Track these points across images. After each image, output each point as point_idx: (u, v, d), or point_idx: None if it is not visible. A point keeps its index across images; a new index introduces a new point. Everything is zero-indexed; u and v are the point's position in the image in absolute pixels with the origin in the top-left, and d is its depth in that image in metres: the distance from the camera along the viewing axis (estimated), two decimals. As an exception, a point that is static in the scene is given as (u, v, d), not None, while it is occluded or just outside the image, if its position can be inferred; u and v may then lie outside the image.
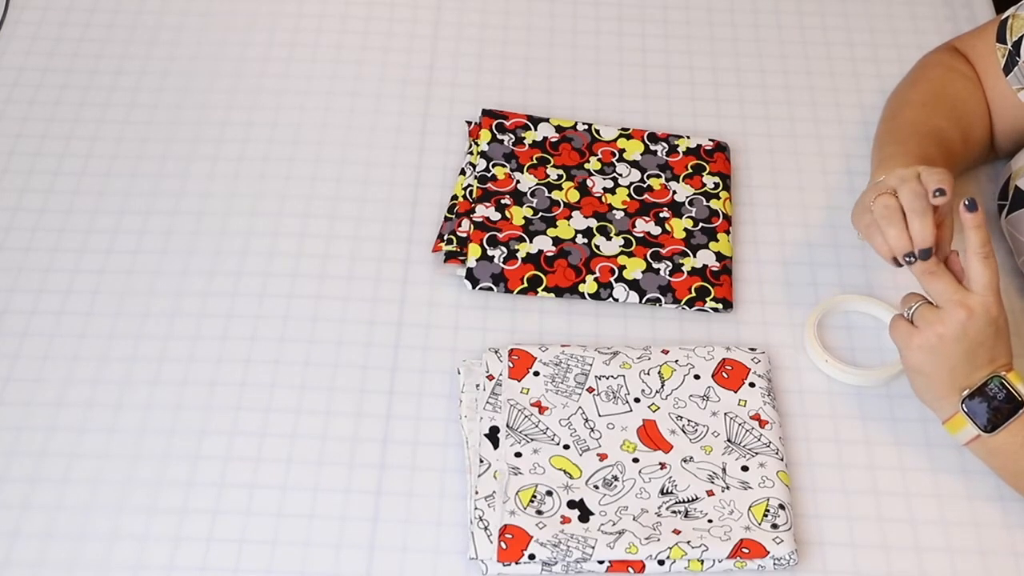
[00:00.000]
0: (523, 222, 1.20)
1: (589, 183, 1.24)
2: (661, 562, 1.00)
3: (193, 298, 1.16)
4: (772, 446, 1.06)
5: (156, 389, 1.10)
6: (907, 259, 1.02)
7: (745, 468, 1.05)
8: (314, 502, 1.04)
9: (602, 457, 1.05)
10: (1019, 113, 1.19)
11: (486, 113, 1.29)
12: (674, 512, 1.02)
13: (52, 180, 1.24)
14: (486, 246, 1.18)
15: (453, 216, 1.21)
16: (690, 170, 1.25)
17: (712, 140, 1.28)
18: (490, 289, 1.16)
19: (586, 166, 1.25)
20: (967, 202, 1.00)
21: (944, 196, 1.01)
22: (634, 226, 1.20)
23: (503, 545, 0.99)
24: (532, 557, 0.99)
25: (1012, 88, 1.18)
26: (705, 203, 1.23)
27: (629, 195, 1.23)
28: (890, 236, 1.03)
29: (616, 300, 1.16)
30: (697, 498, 1.03)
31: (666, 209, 1.22)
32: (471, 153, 1.26)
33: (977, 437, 1.02)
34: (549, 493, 1.03)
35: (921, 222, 1.01)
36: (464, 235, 1.19)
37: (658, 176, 1.25)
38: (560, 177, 1.24)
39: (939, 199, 1.01)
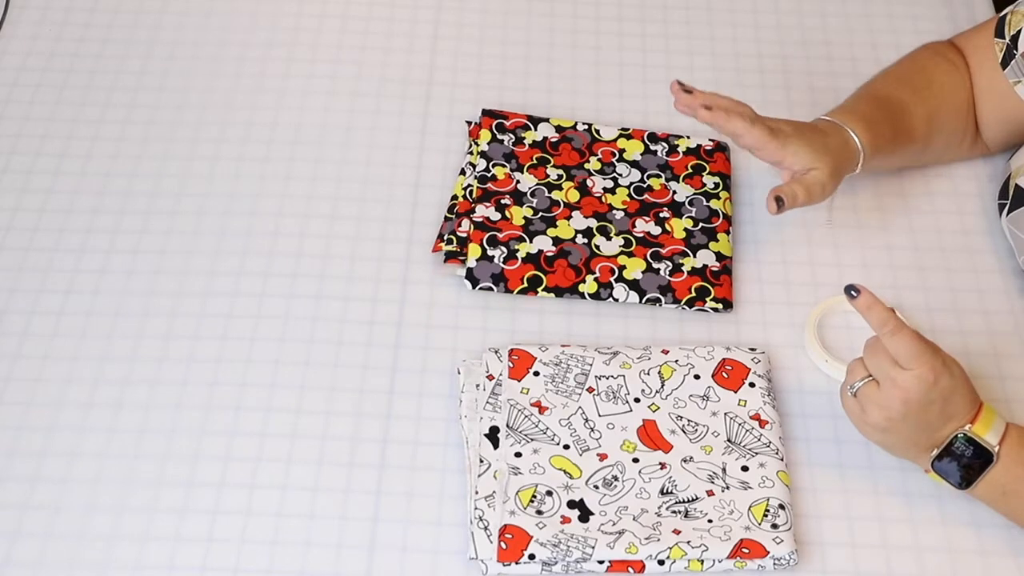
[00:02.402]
0: (523, 222, 1.20)
1: (589, 183, 1.24)
2: (661, 562, 1.00)
3: (193, 298, 1.16)
4: (772, 446, 1.06)
5: (156, 389, 1.10)
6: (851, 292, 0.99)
7: (745, 468, 1.05)
8: (314, 502, 1.04)
9: (602, 457, 1.05)
10: (1013, 106, 1.19)
11: (486, 113, 1.29)
12: (674, 512, 1.02)
13: (52, 180, 1.24)
14: (486, 246, 1.18)
15: (453, 216, 1.21)
16: (690, 170, 1.25)
17: (712, 140, 1.28)
18: (490, 289, 1.16)
19: (586, 166, 1.25)
20: (850, 291, 0.98)
21: (859, 294, 0.98)
22: (634, 226, 1.20)
23: (503, 545, 0.99)
24: (532, 557, 0.99)
25: (1009, 81, 1.18)
26: (705, 203, 1.23)
27: (629, 195, 1.23)
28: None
29: (616, 300, 1.16)
30: (697, 498, 1.03)
31: (666, 209, 1.22)
32: (471, 153, 1.26)
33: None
34: (549, 493, 1.03)
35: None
36: (464, 235, 1.19)
37: (658, 176, 1.25)
38: (560, 177, 1.24)
39: (855, 299, 0.99)
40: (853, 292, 0.98)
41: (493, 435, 1.06)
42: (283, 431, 1.08)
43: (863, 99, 1.19)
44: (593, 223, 1.20)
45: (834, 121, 1.14)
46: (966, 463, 0.99)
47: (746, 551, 1.00)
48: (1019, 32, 1.17)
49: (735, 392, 1.09)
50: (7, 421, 1.08)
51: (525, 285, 1.16)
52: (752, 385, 1.10)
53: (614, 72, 1.37)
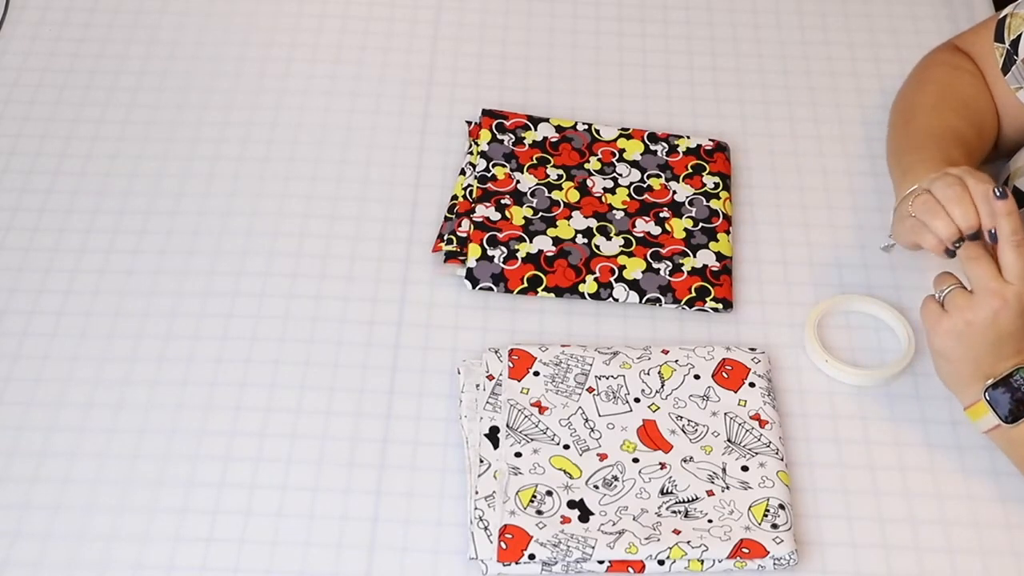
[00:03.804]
0: (523, 222, 1.20)
1: (589, 183, 1.24)
2: (661, 562, 1.00)
3: (193, 298, 1.16)
4: (772, 446, 1.06)
5: (156, 389, 1.10)
6: (956, 245, 1.01)
7: (745, 468, 1.05)
8: (314, 502, 1.04)
9: (602, 457, 1.05)
10: (1018, 112, 1.19)
11: (486, 113, 1.29)
12: (674, 512, 1.02)
13: (52, 180, 1.24)
14: (486, 246, 1.18)
15: (453, 216, 1.21)
16: (690, 170, 1.25)
17: (712, 140, 1.28)
18: (490, 289, 1.16)
19: (586, 166, 1.25)
20: (997, 191, 1.00)
21: (1005, 197, 1.00)
22: (634, 226, 1.20)
23: (503, 545, 0.99)
24: (532, 557, 0.99)
25: (1010, 87, 1.18)
26: (705, 203, 1.23)
27: (629, 195, 1.23)
28: (938, 228, 1.02)
29: (616, 300, 1.16)
30: (697, 498, 1.03)
31: (666, 209, 1.22)
32: (471, 153, 1.26)
33: (997, 426, 1.02)
34: (549, 493, 1.03)
35: (961, 208, 1.01)
36: (464, 235, 1.19)
37: (658, 176, 1.25)
38: (560, 177, 1.24)
39: (1000, 200, 1.00)
40: (999, 192, 0.99)
41: (493, 435, 1.06)
42: (283, 431, 1.08)
43: (931, 141, 1.16)
44: (593, 223, 1.20)
45: None
46: (1019, 397, 1.00)
47: (746, 551, 1.00)
48: (1019, 37, 1.17)
49: (735, 392, 1.09)
50: (7, 421, 1.08)
51: (525, 285, 1.16)
52: (752, 385, 1.10)
53: (614, 72, 1.37)
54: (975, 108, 1.19)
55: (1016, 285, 0.99)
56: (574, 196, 1.23)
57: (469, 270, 1.17)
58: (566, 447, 1.05)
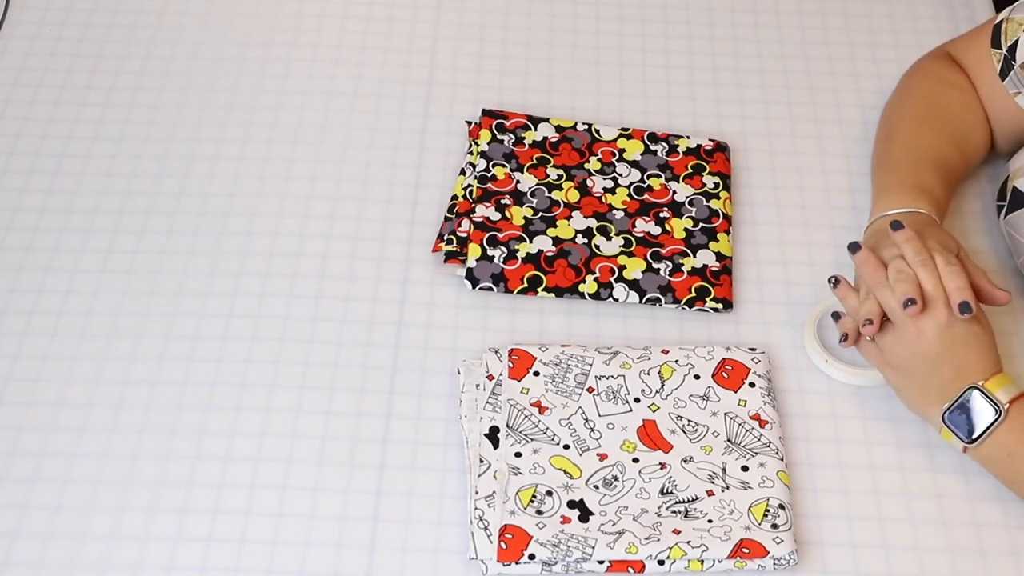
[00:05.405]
0: (523, 222, 1.20)
1: (589, 183, 1.24)
2: (661, 562, 1.00)
3: (193, 298, 1.16)
4: (772, 446, 1.06)
5: (156, 389, 1.10)
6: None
7: (745, 468, 1.05)
8: (314, 502, 1.04)
9: (602, 457, 1.05)
10: (1016, 117, 1.19)
11: (486, 113, 1.29)
12: (674, 512, 1.02)
13: (52, 180, 1.24)
14: (486, 246, 1.18)
15: (453, 216, 1.21)
16: (690, 170, 1.25)
17: (712, 140, 1.28)
18: (490, 289, 1.16)
19: (586, 166, 1.25)
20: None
21: (914, 305, 1.01)
22: (634, 226, 1.20)
23: (503, 545, 0.99)
24: (532, 557, 0.99)
25: (1008, 92, 1.18)
26: (705, 203, 1.23)
27: (629, 195, 1.23)
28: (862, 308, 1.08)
29: (616, 300, 1.16)
30: (697, 498, 1.03)
31: (666, 209, 1.22)
32: (471, 153, 1.26)
33: (966, 448, 1.02)
34: (549, 493, 1.03)
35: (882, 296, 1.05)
36: (464, 235, 1.19)
37: (658, 176, 1.25)
38: (560, 177, 1.24)
39: (910, 308, 1.02)
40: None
41: (493, 435, 1.06)
42: (283, 431, 1.08)
43: (908, 164, 1.16)
44: (593, 223, 1.21)
45: (918, 212, 1.12)
46: (974, 417, 1.01)
47: (746, 551, 1.00)
48: (1016, 42, 1.17)
49: (735, 392, 1.09)
50: (7, 421, 1.08)
51: (525, 285, 1.16)
52: (752, 385, 1.10)
53: (614, 72, 1.37)
54: (958, 125, 1.19)
55: (927, 308, 1.02)
56: (574, 196, 1.23)
57: (469, 270, 1.17)
58: (566, 447, 1.05)
